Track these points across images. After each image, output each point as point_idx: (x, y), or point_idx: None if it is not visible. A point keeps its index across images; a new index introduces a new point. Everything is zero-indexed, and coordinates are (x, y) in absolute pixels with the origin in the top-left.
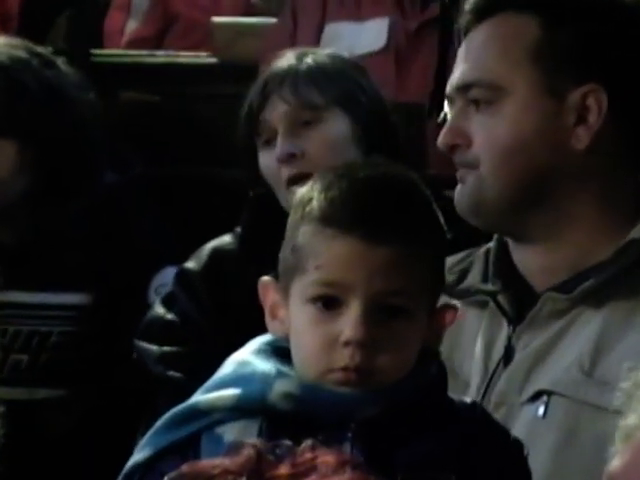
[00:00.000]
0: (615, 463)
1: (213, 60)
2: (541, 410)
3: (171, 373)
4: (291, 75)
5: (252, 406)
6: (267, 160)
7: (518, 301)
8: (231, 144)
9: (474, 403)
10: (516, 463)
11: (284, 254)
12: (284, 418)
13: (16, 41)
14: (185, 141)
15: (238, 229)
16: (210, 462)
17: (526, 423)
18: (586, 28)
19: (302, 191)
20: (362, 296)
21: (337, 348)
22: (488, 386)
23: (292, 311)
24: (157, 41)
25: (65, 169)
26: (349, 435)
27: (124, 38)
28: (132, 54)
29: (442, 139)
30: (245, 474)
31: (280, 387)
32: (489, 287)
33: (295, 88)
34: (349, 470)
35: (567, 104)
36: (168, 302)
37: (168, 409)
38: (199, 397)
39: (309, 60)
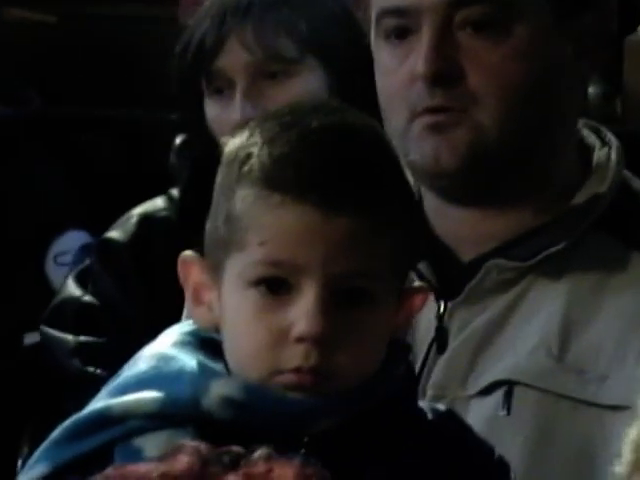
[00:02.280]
0: None
1: None
2: (502, 405)
3: (90, 369)
4: (256, 10)
5: (180, 413)
6: (216, 111)
7: (441, 272)
8: (148, 78)
9: (450, 412)
10: None
11: (213, 224)
12: (220, 428)
13: None
14: (90, 73)
15: (174, 191)
16: (142, 465)
17: (482, 421)
18: None
19: (236, 142)
20: (318, 279)
21: (287, 344)
22: (419, 377)
23: (226, 296)
24: None
25: None
26: (302, 451)
27: None
28: None
29: (430, 65)
30: (181, 474)
31: (218, 390)
32: None
33: (261, 32)
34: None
35: (571, 31)
36: (85, 280)
37: (62, 419)
38: (109, 400)
39: None
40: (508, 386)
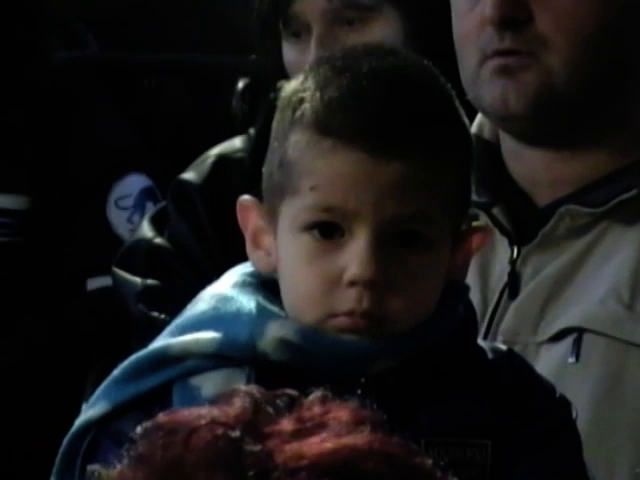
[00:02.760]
0: None
1: None
2: (571, 352)
3: (155, 314)
4: None
5: (237, 353)
6: (293, 55)
7: (516, 217)
8: (212, 21)
9: (511, 351)
10: (563, 426)
11: (269, 169)
12: (276, 370)
13: None
14: (153, 17)
15: (252, 131)
16: (194, 411)
17: (551, 368)
18: None
19: (292, 86)
20: (369, 224)
21: (340, 288)
22: (491, 322)
23: (281, 241)
24: None
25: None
26: (358, 392)
27: None
28: None
29: (500, 8)
30: (239, 428)
31: (274, 332)
32: (480, 198)
33: None
34: (368, 429)
35: None
36: (158, 222)
37: (125, 357)
38: (169, 340)
39: None
40: (578, 333)
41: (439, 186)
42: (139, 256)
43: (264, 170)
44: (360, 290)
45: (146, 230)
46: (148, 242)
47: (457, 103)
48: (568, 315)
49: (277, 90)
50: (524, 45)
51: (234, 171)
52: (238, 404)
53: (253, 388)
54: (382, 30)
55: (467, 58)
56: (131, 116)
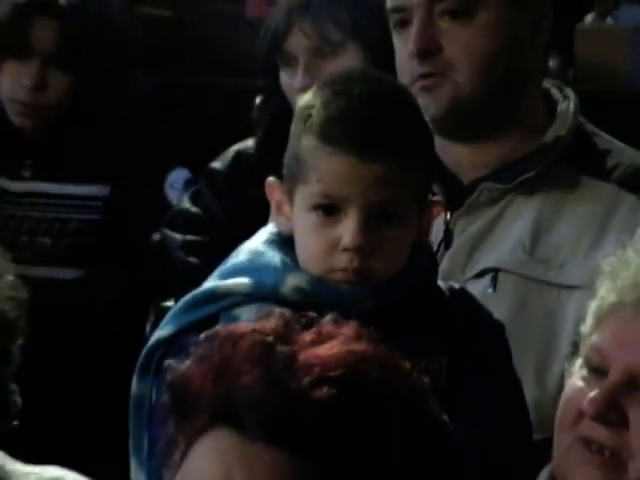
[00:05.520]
0: (597, 338)
1: None
2: (489, 285)
3: (190, 259)
4: (313, 7)
5: (266, 294)
6: (287, 79)
7: (448, 192)
8: (233, 55)
9: (462, 289)
10: (500, 341)
11: (289, 160)
12: (293, 308)
13: None
14: (188, 51)
15: (259, 133)
16: (241, 325)
17: (477, 295)
18: None
19: (305, 100)
20: (358, 207)
21: (337, 252)
22: None
23: (296, 215)
24: None
25: (99, 91)
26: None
27: None
28: None
29: (417, 44)
30: (272, 336)
31: (291, 281)
32: None
33: (316, 24)
34: (365, 341)
35: (528, 14)
36: (194, 198)
37: (182, 292)
38: (217, 282)
39: None
40: (494, 272)
41: (409, 178)
42: (180, 220)
43: (285, 159)
44: (351, 254)
45: (185, 202)
46: (187, 210)
47: (423, 114)
48: (487, 259)
49: (275, 105)
50: (438, 69)
51: (246, 161)
52: (273, 320)
53: (285, 310)
54: (349, 60)
55: (404, 80)
56: (178, 126)
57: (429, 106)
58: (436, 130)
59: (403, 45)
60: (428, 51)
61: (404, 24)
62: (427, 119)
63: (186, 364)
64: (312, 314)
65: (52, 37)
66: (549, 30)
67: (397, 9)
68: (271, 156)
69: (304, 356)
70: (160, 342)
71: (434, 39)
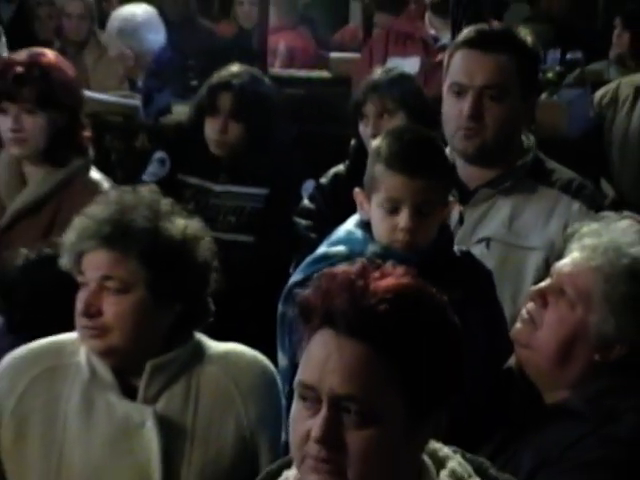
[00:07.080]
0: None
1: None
2: (485, 248)
3: (310, 234)
4: (378, 87)
5: (355, 257)
6: (362, 130)
7: (460, 194)
8: (338, 115)
9: (468, 251)
10: (490, 285)
11: (367, 178)
12: None
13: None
14: (311, 114)
15: (347, 162)
16: (336, 267)
17: (477, 255)
18: None
19: (377, 142)
20: (410, 205)
21: (397, 232)
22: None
23: (372, 210)
24: None
25: (263, 134)
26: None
27: None
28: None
29: (471, 111)
30: (354, 273)
31: (371, 248)
32: None
33: (380, 97)
34: (413, 277)
35: (528, 96)
36: (312, 199)
37: (304, 255)
38: (327, 249)
39: (390, 75)
40: (487, 240)
41: (438, 189)
42: (304, 212)
43: (366, 174)
44: (404, 233)
45: (307, 202)
46: (307, 206)
47: (444, 151)
48: (483, 232)
49: (358, 145)
50: (476, 126)
51: (340, 180)
52: (356, 265)
53: (364, 259)
54: (399, 120)
55: (449, 126)
56: (306, 153)
57: (468, 147)
58: (466, 159)
59: (456, 106)
60: (474, 116)
61: (459, 95)
62: (455, 153)
63: (306, 292)
64: (379, 261)
65: (231, 102)
66: (534, 104)
67: (457, 85)
68: (355, 175)
69: (373, 286)
70: (295, 283)
71: (480, 110)
